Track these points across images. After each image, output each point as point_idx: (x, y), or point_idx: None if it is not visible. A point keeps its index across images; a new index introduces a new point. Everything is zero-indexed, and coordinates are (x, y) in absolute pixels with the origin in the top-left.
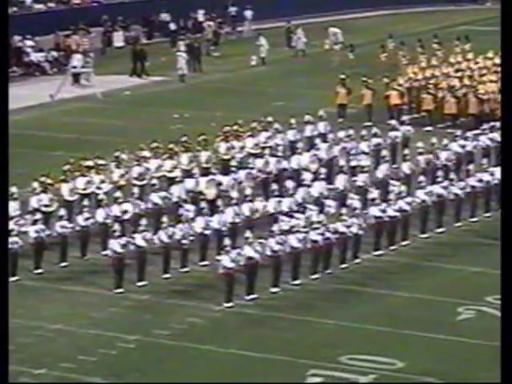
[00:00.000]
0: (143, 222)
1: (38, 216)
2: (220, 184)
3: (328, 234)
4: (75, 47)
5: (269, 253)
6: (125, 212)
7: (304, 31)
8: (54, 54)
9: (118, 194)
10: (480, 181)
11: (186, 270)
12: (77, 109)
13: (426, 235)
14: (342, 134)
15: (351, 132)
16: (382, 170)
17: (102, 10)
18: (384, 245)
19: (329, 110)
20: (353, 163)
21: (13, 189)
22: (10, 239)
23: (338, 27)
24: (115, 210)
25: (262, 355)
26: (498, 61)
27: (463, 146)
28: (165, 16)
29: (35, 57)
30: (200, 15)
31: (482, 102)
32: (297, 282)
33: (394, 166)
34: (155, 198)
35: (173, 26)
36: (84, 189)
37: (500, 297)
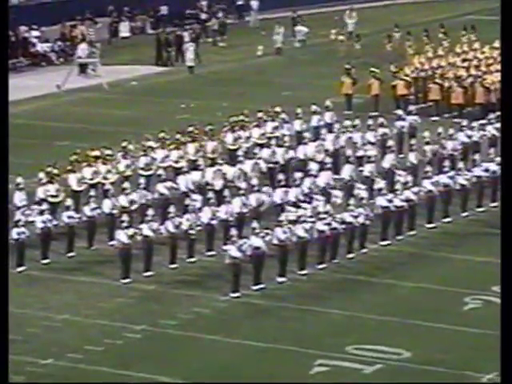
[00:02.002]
0: (150, 212)
1: (45, 206)
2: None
3: (335, 224)
4: (81, 37)
5: (276, 242)
6: (132, 202)
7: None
8: (61, 44)
9: (125, 184)
10: (486, 171)
11: (192, 260)
12: (83, 99)
13: (432, 225)
14: (348, 123)
15: (357, 122)
16: (389, 160)
17: (108, 0)
18: (391, 235)
19: (335, 100)
20: (359, 153)
21: (19, 179)
22: (17, 229)
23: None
24: (122, 200)
25: (268, 345)
26: None
27: (470, 136)
28: (164, 9)
29: (41, 47)
30: (205, 5)
31: (489, 91)
32: (303, 271)
33: (401, 155)
34: (162, 188)
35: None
36: (91, 179)
37: (500, 287)
